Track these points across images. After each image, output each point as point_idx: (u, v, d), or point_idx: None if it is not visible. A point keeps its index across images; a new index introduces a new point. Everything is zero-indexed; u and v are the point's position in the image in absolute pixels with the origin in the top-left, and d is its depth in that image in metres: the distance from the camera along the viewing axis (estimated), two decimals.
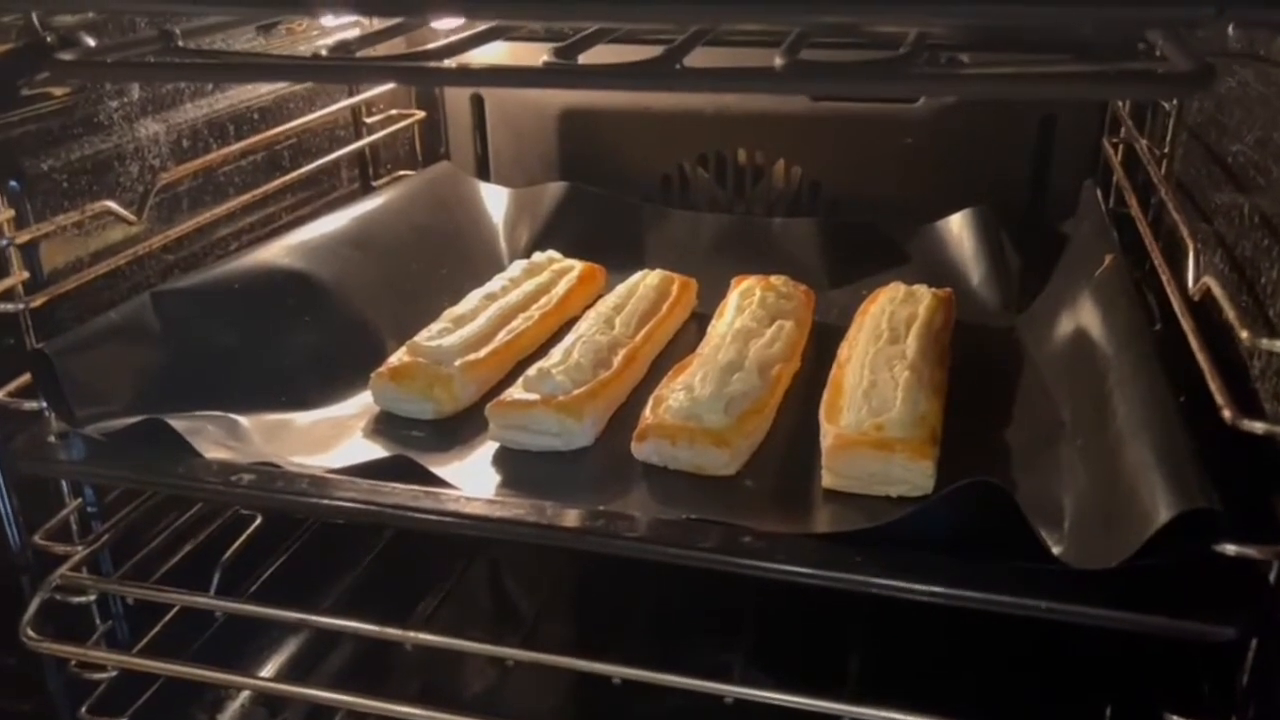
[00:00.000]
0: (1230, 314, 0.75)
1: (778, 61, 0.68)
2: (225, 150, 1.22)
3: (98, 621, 1.06)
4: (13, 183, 0.96)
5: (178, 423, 0.95)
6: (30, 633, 0.97)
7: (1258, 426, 0.70)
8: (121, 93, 1.08)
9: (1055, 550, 0.78)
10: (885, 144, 1.45)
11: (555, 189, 1.53)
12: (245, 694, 1.16)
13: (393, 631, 0.94)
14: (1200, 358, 0.77)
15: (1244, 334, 0.72)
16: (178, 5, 0.80)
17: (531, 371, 1.06)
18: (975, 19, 0.67)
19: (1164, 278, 0.94)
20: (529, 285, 1.29)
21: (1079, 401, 0.97)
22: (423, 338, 1.14)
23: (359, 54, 0.87)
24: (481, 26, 0.89)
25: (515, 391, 1.05)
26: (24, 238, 0.95)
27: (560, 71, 0.74)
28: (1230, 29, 0.96)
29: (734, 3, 0.57)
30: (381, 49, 1.02)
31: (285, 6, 0.97)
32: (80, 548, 1.01)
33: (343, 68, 0.89)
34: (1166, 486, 0.71)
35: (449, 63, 0.81)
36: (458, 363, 1.10)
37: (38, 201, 0.98)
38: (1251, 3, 0.51)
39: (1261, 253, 0.86)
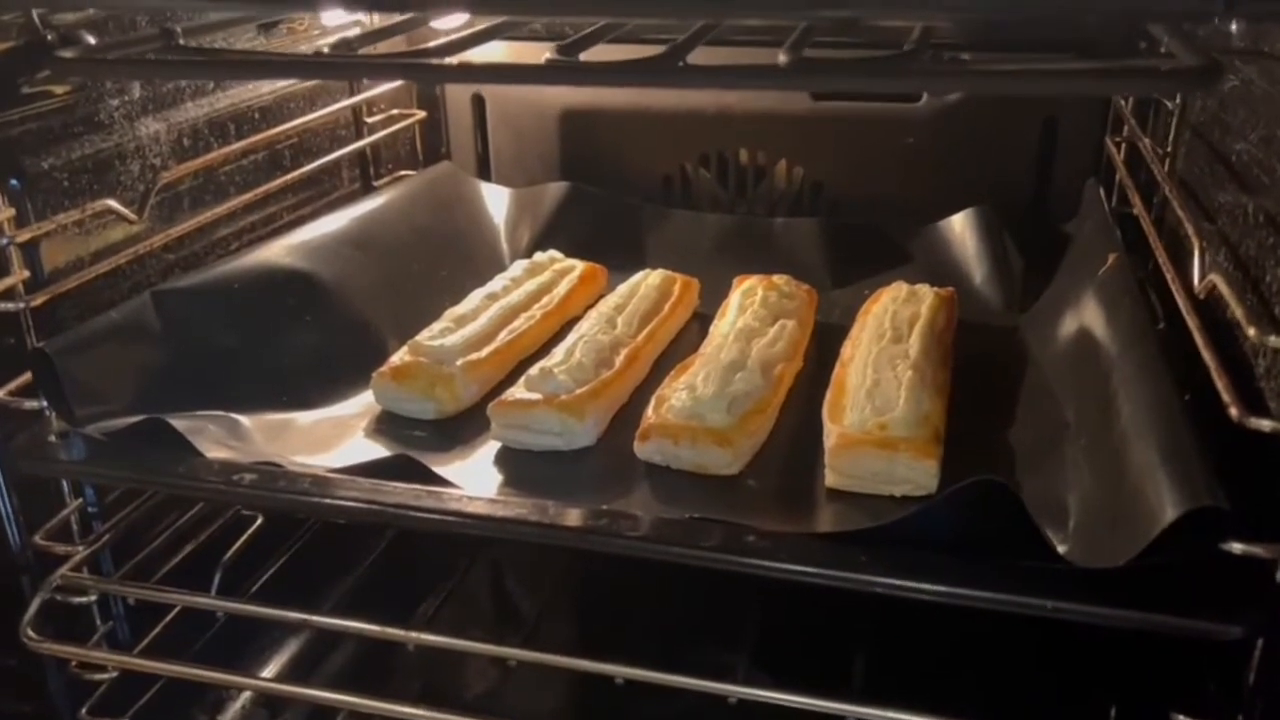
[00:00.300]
0: (1237, 311, 0.75)
1: (782, 59, 0.68)
2: (226, 149, 1.21)
3: (98, 622, 1.06)
4: (13, 181, 0.96)
5: (179, 422, 0.94)
6: (31, 633, 0.96)
7: (1265, 424, 0.70)
8: (122, 91, 1.08)
9: (1060, 549, 0.78)
10: (887, 144, 1.45)
11: (556, 189, 1.53)
12: (246, 695, 1.16)
13: (395, 632, 0.93)
14: (1206, 355, 0.77)
15: (1251, 331, 0.72)
16: (178, 2, 0.79)
17: (533, 371, 1.06)
18: (982, 11, 0.67)
19: (1168, 276, 0.94)
20: (530, 285, 1.29)
21: (1083, 401, 0.97)
22: (424, 337, 1.14)
23: (360, 52, 0.86)
24: (482, 25, 0.89)
25: (517, 391, 1.04)
26: (24, 236, 0.95)
27: (563, 69, 0.74)
28: (1234, 26, 0.96)
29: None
30: (383, 47, 1.02)
31: (286, 3, 0.97)
32: (81, 548, 1.01)
33: (344, 64, 0.89)
34: (1172, 485, 0.71)
35: (450, 60, 0.81)
36: (459, 362, 1.09)
37: (38, 200, 0.98)
38: None
39: (1266, 251, 0.85)
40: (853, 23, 0.79)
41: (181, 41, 0.87)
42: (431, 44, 0.84)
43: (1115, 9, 0.56)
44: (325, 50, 0.86)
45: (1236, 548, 0.69)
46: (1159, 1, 0.52)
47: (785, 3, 0.57)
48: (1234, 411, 0.70)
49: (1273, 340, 0.72)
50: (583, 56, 0.78)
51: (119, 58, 0.82)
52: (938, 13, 0.69)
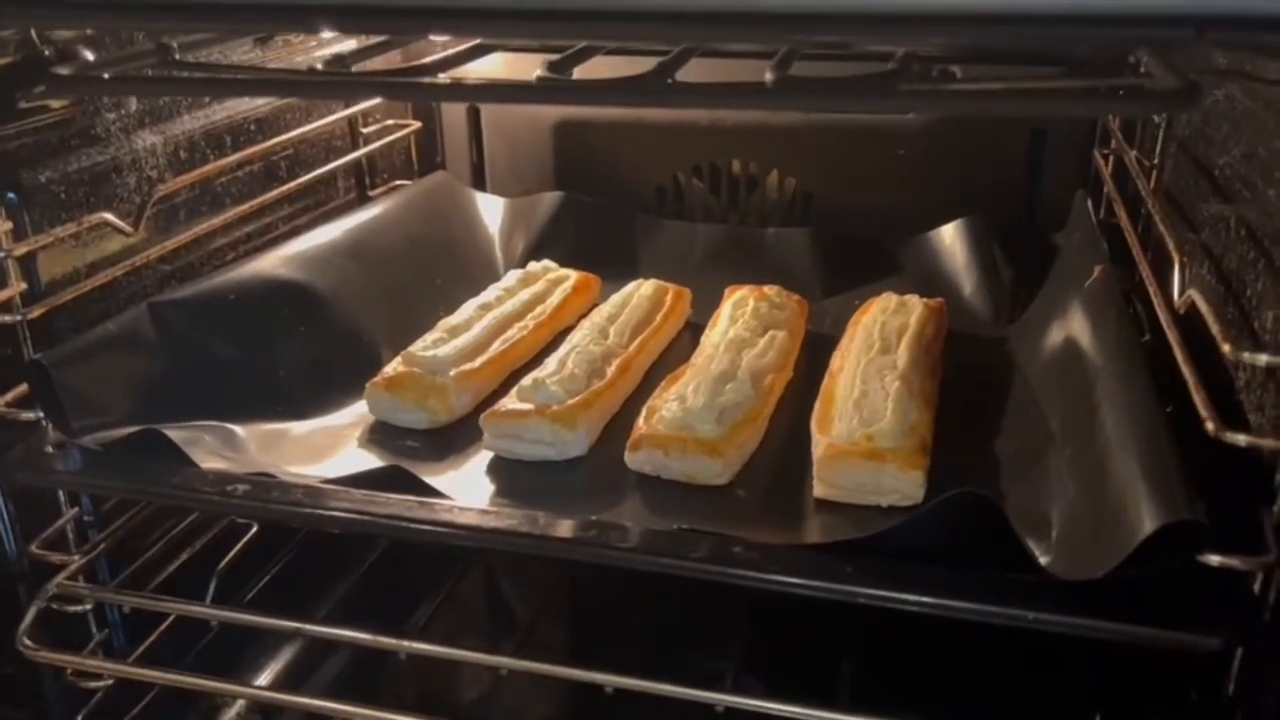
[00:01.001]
0: (1214, 328, 0.76)
1: (768, 77, 0.69)
2: (222, 161, 1.22)
3: (94, 630, 1.07)
4: (10, 195, 0.97)
5: (174, 433, 0.95)
6: (27, 641, 0.97)
7: (1240, 439, 0.71)
8: (119, 105, 1.09)
9: (1042, 560, 0.79)
10: (878, 155, 1.46)
11: (550, 199, 1.54)
12: (241, 702, 1.17)
13: (387, 641, 0.94)
14: (1185, 370, 0.78)
15: (1226, 348, 0.73)
16: (174, 23, 0.80)
17: (526, 381, 1.07)
18: (961, 40, 0.68)
19: (1151, 290, 0.95)
20: (524, 295, 1.29)
21: (1068, 412, 0.98)
22: (418, 347, 1.15)
23: (354, 68, 0.88)
24: (476, 40, 0.90)
25: (509, 401, 1.05)
26: (22, 249, 0.96)
27: (552, 87, 0.75)
28: None
29: (718, 24, 0.58)
30: (378, 62, 1.03)
31: (273, 27, 0.98)
32: (77, 556, 1.02)
33: (337, 83, 0.90)
34: (1152, 498, 0.72)
35: (443, 77, 0.82)
36: (452, 373, 1.10)
37: (35, 213, 0.99)
38: (1228, 25, 0.52)
39: (1247, 265, 0.87)
40: (838, 43, 0.81)
41: (177, 56, 0.88)
42: (425, 60, 0.85)
43: (1091, 38, 0.58)
44: (319, 66, 0.87)
45: (1214, 559, 0.69)
46: (1132, 31, 0.53)
47: (767, 30, 0.59)
48: (1210, 426, 0.71)
49: (1247, 356, 0.73)
50: (576, 71, 0.79)
51: (115, 75, 0.83)
52: (919, 41, 0.70)
